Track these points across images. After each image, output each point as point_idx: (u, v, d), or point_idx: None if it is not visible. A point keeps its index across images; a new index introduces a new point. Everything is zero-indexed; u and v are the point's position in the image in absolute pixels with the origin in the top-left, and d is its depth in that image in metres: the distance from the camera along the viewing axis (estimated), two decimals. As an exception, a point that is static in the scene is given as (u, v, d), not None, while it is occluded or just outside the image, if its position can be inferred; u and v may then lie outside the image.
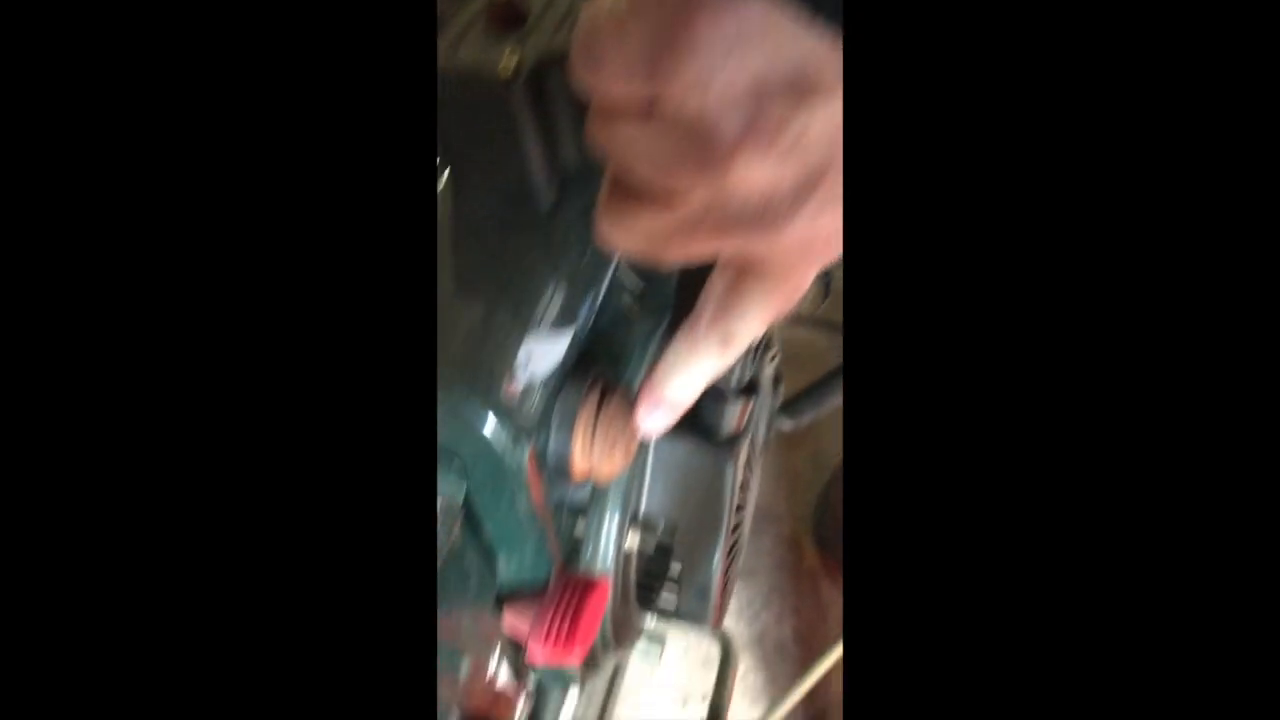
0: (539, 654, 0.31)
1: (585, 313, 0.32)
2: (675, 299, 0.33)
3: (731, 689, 0.57)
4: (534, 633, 0.32)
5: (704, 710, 0.62)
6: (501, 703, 0.36)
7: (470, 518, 0.30)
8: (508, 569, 0.33)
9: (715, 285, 0.25)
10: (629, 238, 0.22)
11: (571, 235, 0.31)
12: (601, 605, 0.32)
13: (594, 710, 0.72)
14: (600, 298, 0.33)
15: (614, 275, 0.36)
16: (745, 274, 0.23)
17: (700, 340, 0.25)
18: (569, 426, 0.29)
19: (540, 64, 0.27)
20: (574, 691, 0.64)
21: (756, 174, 0.18)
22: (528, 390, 0.27)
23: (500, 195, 0.31)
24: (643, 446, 0.41)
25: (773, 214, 0.19)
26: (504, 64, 0.26)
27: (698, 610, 0.44)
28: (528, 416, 0.28)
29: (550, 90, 0.28)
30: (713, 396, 0.39)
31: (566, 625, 0.31)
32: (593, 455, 0.29)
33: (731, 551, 0.44)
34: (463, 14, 0.28)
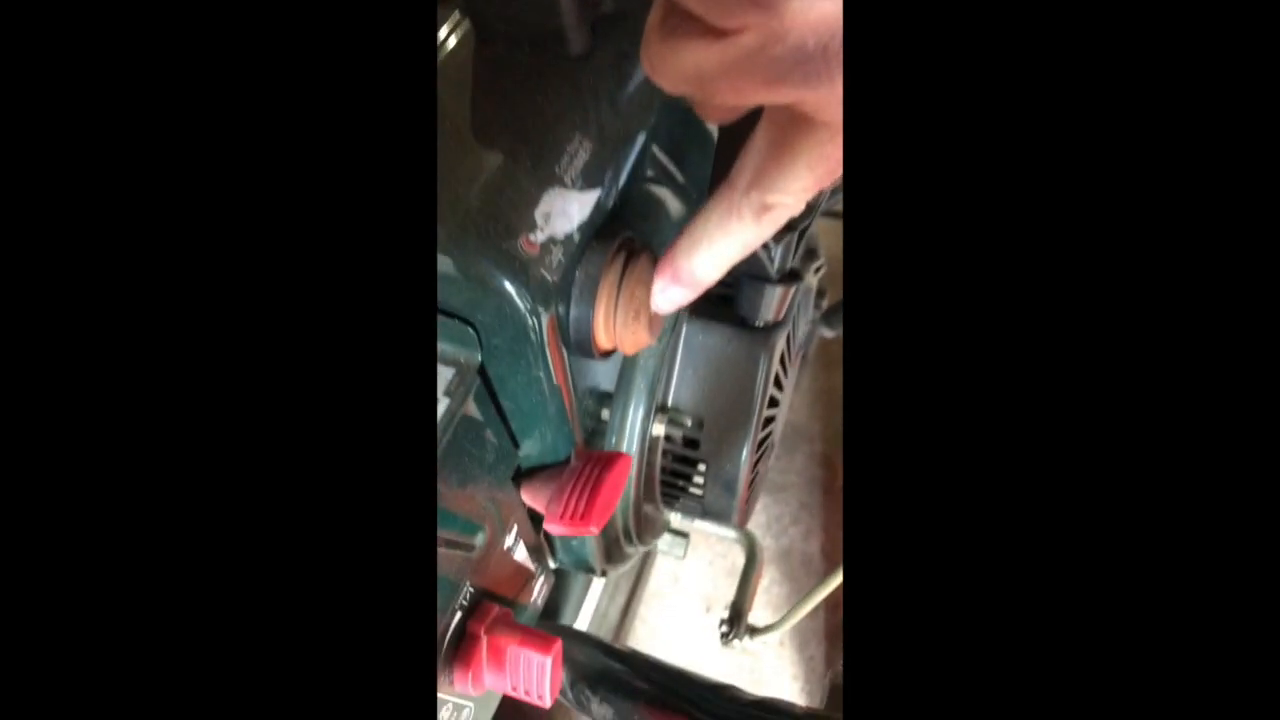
0: (556, 527, 0.30)
1: (613, 176, 0.29)
2: (714, 167, 0.31)
3: (754, 590, 0.56)
4: (551, 506, 0.31)
5: (726, 614, 0.63)
6: (520, 580, 0.36)
7: (488, 388, 0.29)
8: (528, 445, 0.32)
9: (756, 144, 0.22)
10: (676, 72, 0.19)
11: (602, 86, 0.28)
12: (622, 479, 0.31)
13: (617, 606, 0.74)
14: (631, 162, 0.31)
15: (648, 153, 0.34)
16: (792, 131, 0.21)
17: (734, 208, 0.23)
18: (591, 293, 0.27)
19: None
20: (597, 585, 0.66)
21: (817, 8, 0.16)
22: (547, 249, 0.26)
23: (527, 39, 0.28)
24: (674, 332, 0.39)
25: (831, 58, 0.17)
26: None
27: (722, 506, 0.43)
28: (547, 280, 0.26)
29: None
30: (752, 281, 0.37)
31: (585, 498, 0.30)
32: (615, 325, 0.28)
33: (761, 448, 0.42)
34: None
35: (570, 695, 0.38)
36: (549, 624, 0.50)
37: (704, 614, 1.01)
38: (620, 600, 0.72)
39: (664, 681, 0.33)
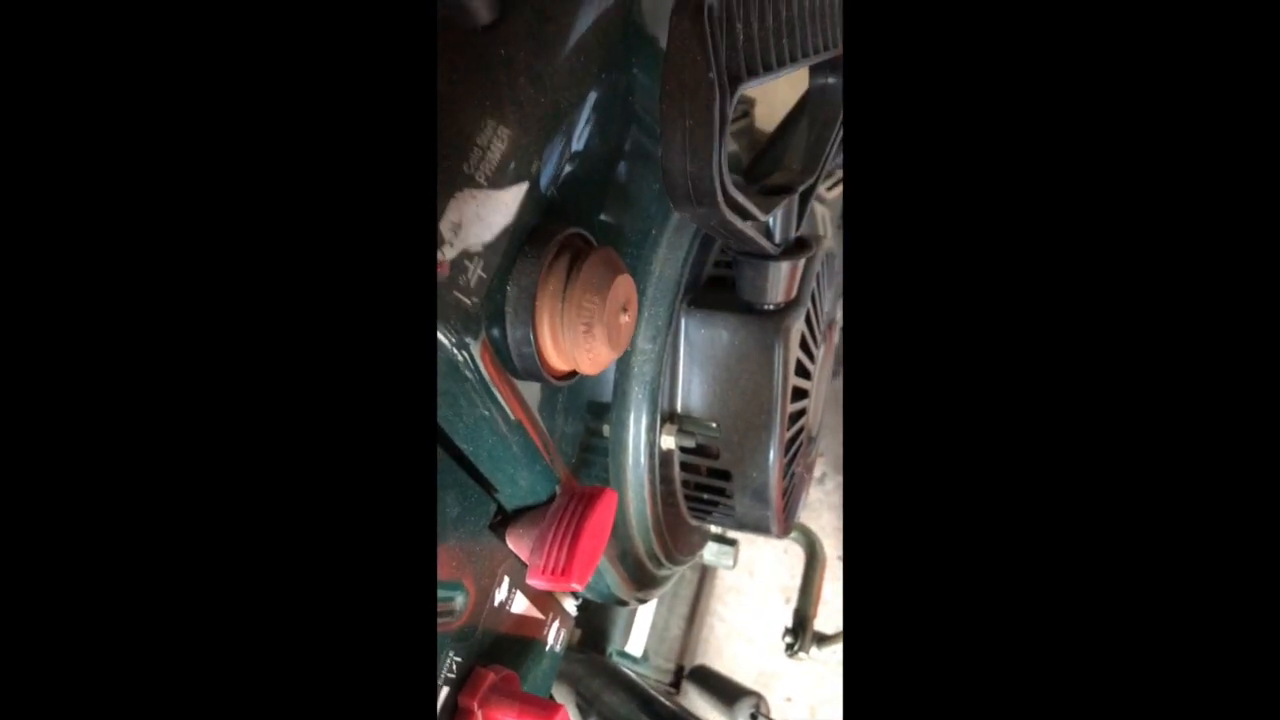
0: (538, 582, 0.26)
1: (549, 164, 0.24)
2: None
3: (819, 591, 0.51)
4: (532, 559, 0.27)
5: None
6: (526, 632, 0.32)
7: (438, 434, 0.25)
8: (504, 489, 0.28)
9: None
10: None
11: (518, 59, 0.23)
12: (608, 520, 0.27)
13: (679, 618, 0.69)
14: (579, 137, 0.26)
15: (613, 118, 0.29)
16: None
17: None
18: (528, 310, 0.22)
19: None
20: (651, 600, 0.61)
21: None
22: (459, 266, 0.21)
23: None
24: (672, 328, 0.34)
25: None
26: None
27: (757, 517, 0.38)
28: (465, 304, 0.21)
29: None
30: (750, 259, 0.32)
31: (564, 550, 0.25)
32: (564, 344, 0.23)
33: (791, 448, 0.37)
34: None
35: (602, 752, 0.33)
36: (588, 658, 0.46)
37: (784, 606, 0.96)
38: (682, 610, 0.67)
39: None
